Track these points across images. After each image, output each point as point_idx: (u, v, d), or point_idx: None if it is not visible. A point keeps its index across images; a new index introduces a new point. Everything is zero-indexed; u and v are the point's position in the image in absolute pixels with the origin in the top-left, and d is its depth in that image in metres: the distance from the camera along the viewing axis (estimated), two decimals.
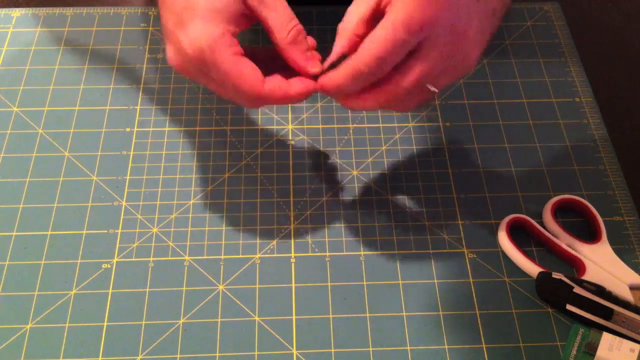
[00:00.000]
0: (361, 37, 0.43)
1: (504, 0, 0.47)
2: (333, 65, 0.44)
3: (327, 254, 0.51)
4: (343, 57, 0.44)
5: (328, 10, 0.66)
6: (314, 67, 0.45)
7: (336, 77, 0.43)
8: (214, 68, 0.42)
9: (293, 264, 0.50)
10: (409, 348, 0.47)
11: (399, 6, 0.40)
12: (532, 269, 0.49)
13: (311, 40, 0.46)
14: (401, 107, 0.45)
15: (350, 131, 0.58)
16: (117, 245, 0.51)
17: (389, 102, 0.44)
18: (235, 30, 0.43)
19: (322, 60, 0.45)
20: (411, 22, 0.40)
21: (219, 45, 0.41)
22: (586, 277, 0.48)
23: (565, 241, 0.51)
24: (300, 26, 0.45)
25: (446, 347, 0.47)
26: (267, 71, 0.44)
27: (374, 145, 0.57)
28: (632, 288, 0.48)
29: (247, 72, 0.42)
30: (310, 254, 0.51)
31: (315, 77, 0.45)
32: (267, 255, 0.51)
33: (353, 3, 0.45)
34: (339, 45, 0.44)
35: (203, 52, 0.41)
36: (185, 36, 0.42)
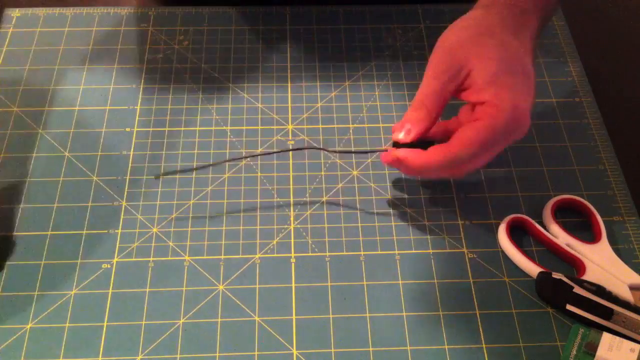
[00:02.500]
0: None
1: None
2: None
3: (327, 254, 0.51)
4: None
5: (328, 10, 0.66)
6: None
7: (432, 159, 0.47)
8: None
9: (293, 264, 0.50)
10: (409, 348, 0.47)
11: (493, 111, 0.45)
12: (532, 269, 0.49)
13: None
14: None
15: (350, 131, 0.58)
16: (117, 245, 0.51)
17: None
18: None
19: None
20: (505, 127, 0.45)
21: None
22: (586, 277, 0.48)
23: (565, 241, 0.51)
24: None
25: (446, 347, 0.47)
26: None
27: (374, 145, 0.57)
28: (632, 288, 0.48)
29: None
30: (310, 254, 0.51)
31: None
32: (267, 255, 0.51)
33: (429, 86, 0.48)
34: (424, 125, 0.48)
35: None
36: None
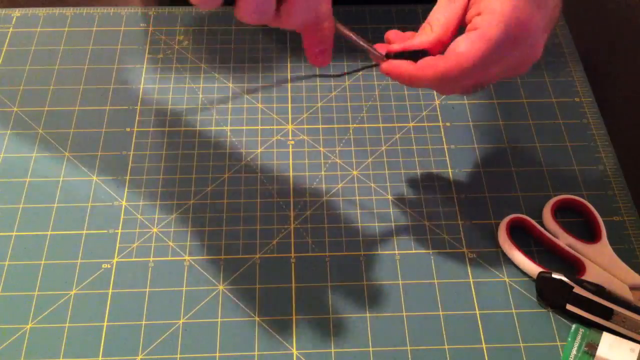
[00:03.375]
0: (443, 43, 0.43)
1: None
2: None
3: (327, 254, 0.51)
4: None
5: None
6: None
7: (420, 72, 0.42)
8: None
9: (293, 264, 0.50)
10: (409, 348, 0.47)
11: (492, 18, 0.40)
12: (532, 269, 0.49)
13: None
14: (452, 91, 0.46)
15: (350, 131, 0.58)
16: (117, 245, 0.51)
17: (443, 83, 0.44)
18: None
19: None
20: (506, 38, 0.40)
21: None
22: (586, 277, 0.48)
23: (565, 241, 0.51)
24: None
25: (446, 347, 0.47)
26: None
27: (374, 145, 0.57)
28: (632, 288, 0.48)
29: None
30: (310, 254, 0.51)
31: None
32: (267, 255, 0.51)
33: (438, 8, 0.44)
34: (420, 41, 0.44)
35: None
36: None
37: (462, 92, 0.47)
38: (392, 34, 0.46)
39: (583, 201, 0.53)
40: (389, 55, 0.45)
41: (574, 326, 0.47)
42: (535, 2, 0.41)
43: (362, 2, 0.66)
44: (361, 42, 0.45)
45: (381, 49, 0.45)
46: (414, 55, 0.44)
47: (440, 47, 0.44)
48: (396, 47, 0.45)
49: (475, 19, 0.41)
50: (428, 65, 0.42)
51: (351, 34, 0.45)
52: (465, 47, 0.41)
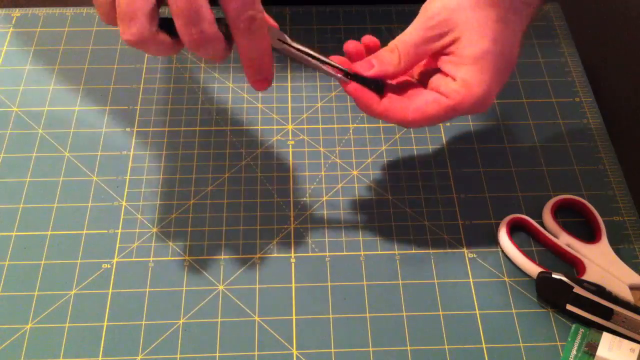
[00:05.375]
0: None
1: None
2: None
3: (327, 254, 0.51)
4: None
5: (328, 10, 0.66)
6: None
7: (377, 106, 0.45)
8: None
9: (293, 264, 0.50)
10: (409, 348, 0.47)
11: (463, 95, 0.43)
12: (532, 269, 0.49)
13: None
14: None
15: (350, 131, 0.58)
16: (117, 245, 0.51)
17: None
18: None
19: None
20: (468, 110, 0.44)
21: None
22: (586, 277, 0.48)
23: (565, 241, 0.51)
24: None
25: (446, 347, 0.47)
26: None
27: (374, 145, 0.57)
28: (632, 288, 0.48)
29: None
30: (310, 254, 0.51)
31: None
32: (267, 255, 0.51)
33: (413, 38, 0.45)
34: (384, 69, 0.45)
35: None
36: None
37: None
38: (351, 45, 0.46)
39: (583, 201, 0.53)
40: (351, 77, 0.45)
41: (574, 326, 0.47)
42: (501, 79, 0.44)
43: (362, 2, 0.66)
44: (313, 62, 0.45)
45: (342, 63, 0.45)
46: (373, 81, 0.45)
47: (399, 76, 0.46)
48: (360, 68, 0.45)
49: (450, 86, 0.44)
50: (396, 109, 0.44)
51: (302, 54, 0.44)
52: (433, 111, 0.44)
